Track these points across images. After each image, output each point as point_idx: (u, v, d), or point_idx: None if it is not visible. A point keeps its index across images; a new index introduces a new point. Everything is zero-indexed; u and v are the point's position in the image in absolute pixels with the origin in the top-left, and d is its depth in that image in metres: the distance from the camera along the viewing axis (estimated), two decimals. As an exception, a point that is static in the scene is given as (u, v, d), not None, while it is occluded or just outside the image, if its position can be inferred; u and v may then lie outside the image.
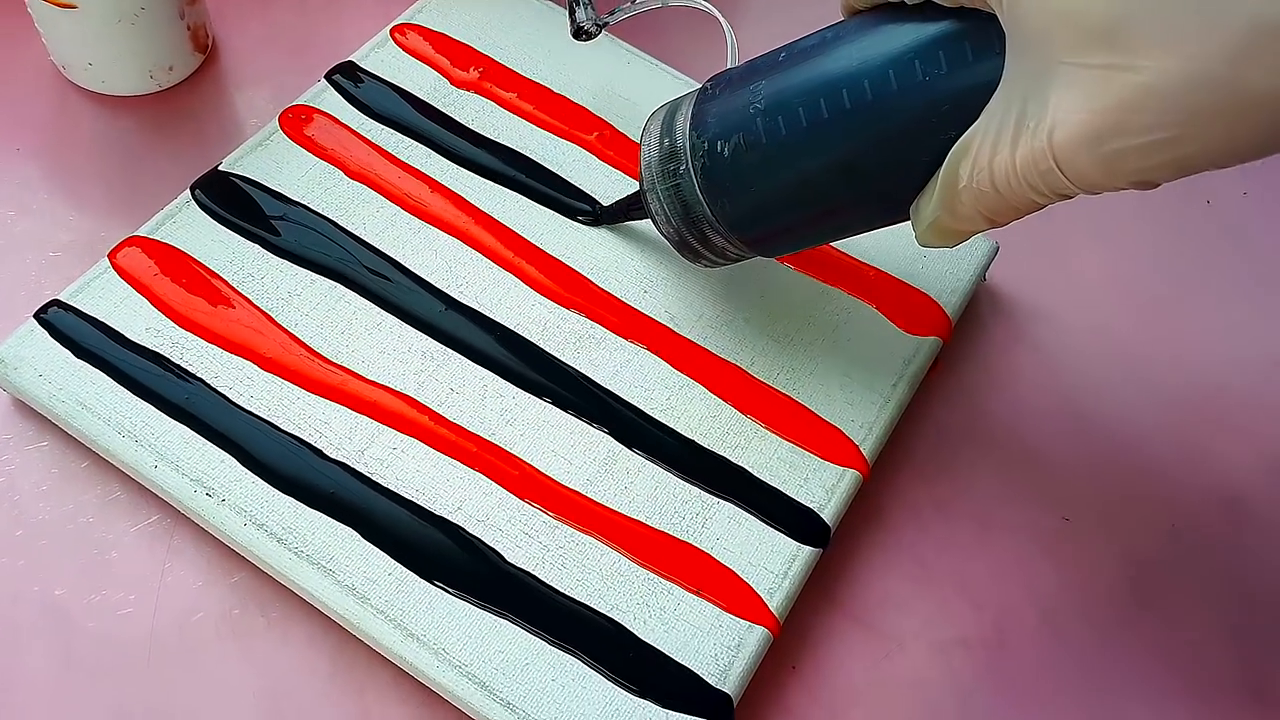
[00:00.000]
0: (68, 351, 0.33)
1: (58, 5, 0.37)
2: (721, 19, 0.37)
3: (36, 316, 0.34)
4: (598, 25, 0.39)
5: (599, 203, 0.38)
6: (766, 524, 0.33)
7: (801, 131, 0.30)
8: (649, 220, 0.34)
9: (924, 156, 0.28)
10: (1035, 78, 0.25)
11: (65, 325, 0.34)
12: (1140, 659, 0.34)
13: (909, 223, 0.30)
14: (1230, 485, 0.37)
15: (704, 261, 0.34)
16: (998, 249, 0.39)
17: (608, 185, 0.39)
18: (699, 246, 0.34)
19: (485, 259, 0.37)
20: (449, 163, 0.39)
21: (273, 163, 0.38)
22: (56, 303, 0.34)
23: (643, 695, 0.30)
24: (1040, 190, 0.26)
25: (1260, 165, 0.45)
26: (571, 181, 0.39)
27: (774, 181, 0.31)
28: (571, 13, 0.39)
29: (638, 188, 0.34)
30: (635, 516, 0.33)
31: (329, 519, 0.32)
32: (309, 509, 0.32)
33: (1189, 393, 0.39)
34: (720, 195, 0.32)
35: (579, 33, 0.39)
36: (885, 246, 0.39)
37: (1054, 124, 0.24)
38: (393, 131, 0.39)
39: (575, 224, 0.38)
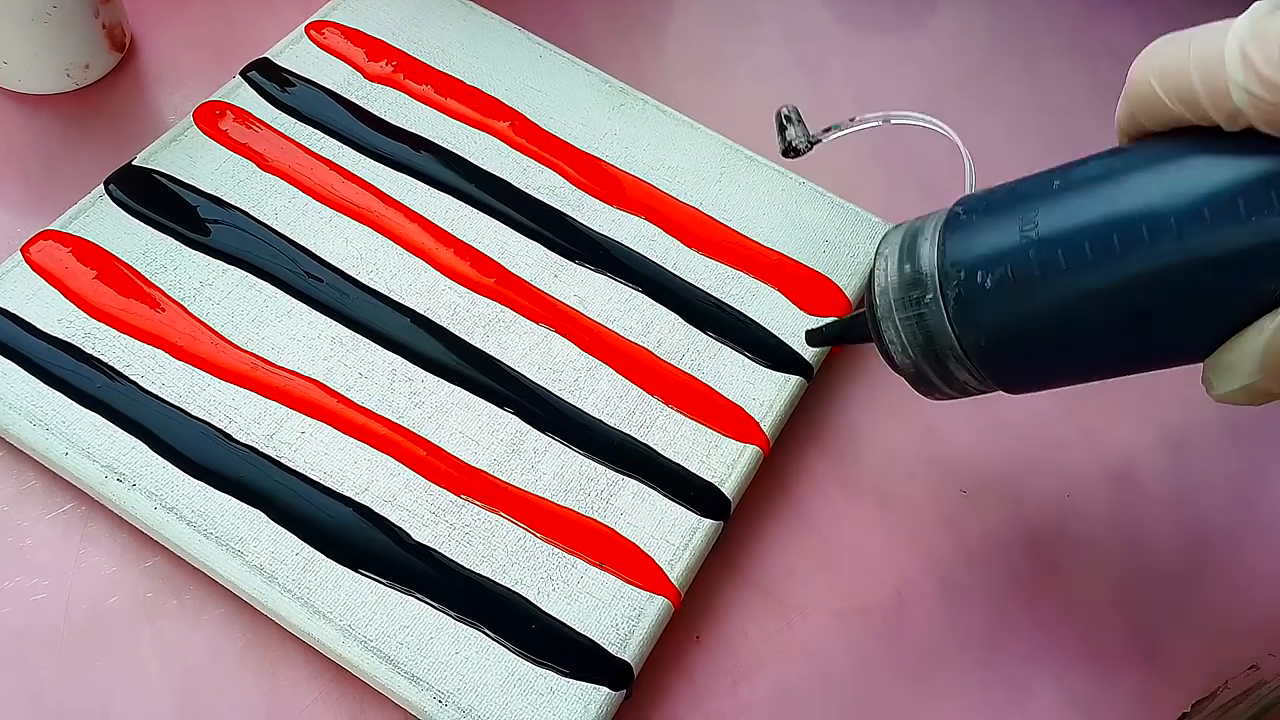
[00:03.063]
0: (-21, 343, 0.34)
1: (-31, 4, 0.37)
2: (959, 141, 0.37)
3: (-51, 310, 0.34)
4: (809, 144, 0.38)
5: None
6: (670, 499, 0.34)
7: (1086, 266, 0.26)
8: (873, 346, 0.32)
9: (1234, 304, 0.25)
10: None
11: (-23, 318, 0.34)
12: (1036, 627, 0.35)
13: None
14: (1123, 459, 0.39)
15: (937, 394, 0.31)
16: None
17: (520, 171, 0.40)
18: (937, 380, 0.31)
19: (396, 245, 0.38)
20: (360, 154, 0.39)
21: (187, 157, 0.38)
22: (-32, 296, 0.35)
23: (543, 665, 0.31)
24: None
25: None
26: (483, 167, 0.40)
27: (1044, 318, 0.27)
28: (781, 130, 0.38)
29: (860, 310, 0.32)
30: (541, 494, 0.34)
31: (238, 502, 0.32)
32: (218, 492, 0.32)
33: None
34: (975, 328, 0.29)
35: (789, 150, 0.38)
36: (787, 232, 0.40)
37: None
38: (306, 125, 0.40)
39: (486, 211, 0.39)
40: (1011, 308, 0.28)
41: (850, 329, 0.34)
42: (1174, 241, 0.25)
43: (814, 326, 0.36)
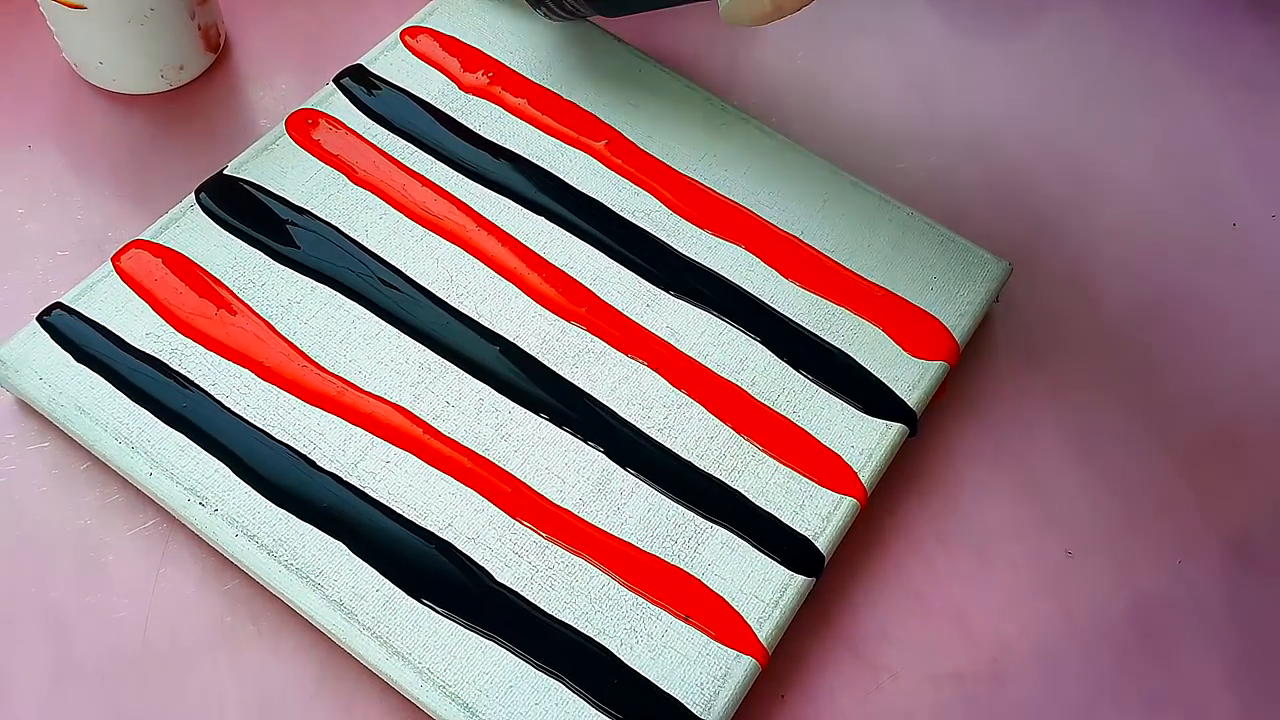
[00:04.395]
0: (68, 355, 0.33)
1: (68, 5, 0.37)
2: None
3: (39, 319, 0.34)
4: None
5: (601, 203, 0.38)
6: (760, 550, 0.33)
7: None
8: None
9: None
10: None
11: (67, 328, 0.34)
12: (1140, 703, 0.33)
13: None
14: (1239, 525, 0.36)
15: (543, 9, 0.37)
16: (1011, 270, 0.38)
17: (615, 193, 0.38)
18: None
19: (487, 268, 0.36)
20: (453, 170, 0.38)
21: (278, 167, 0.37)
22: (59, 305, 0.34)
23: (625, 723, 0.30)
24: None
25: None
26: (578, 188, 0.38)
27: None
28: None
29: None
30: (626, 539, 0.32)
31: (319, 532, 0.32)
32: (300, 521, 0.32)
33: (1204, 428, 0.38)
34: None
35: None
36: (893, 265, 0.38)
37: None
38: (399, 137, 0.39)
39: (579, 234, 0.38)
40: None
41: None
42: None
43: None
